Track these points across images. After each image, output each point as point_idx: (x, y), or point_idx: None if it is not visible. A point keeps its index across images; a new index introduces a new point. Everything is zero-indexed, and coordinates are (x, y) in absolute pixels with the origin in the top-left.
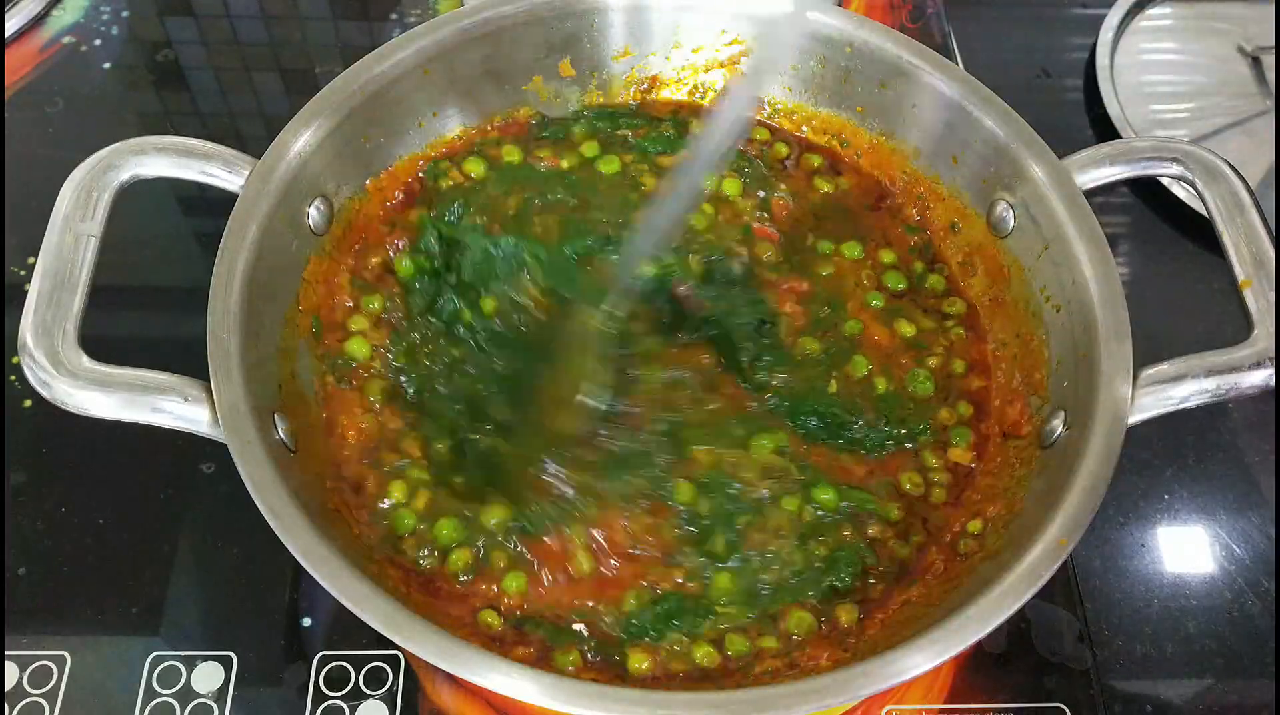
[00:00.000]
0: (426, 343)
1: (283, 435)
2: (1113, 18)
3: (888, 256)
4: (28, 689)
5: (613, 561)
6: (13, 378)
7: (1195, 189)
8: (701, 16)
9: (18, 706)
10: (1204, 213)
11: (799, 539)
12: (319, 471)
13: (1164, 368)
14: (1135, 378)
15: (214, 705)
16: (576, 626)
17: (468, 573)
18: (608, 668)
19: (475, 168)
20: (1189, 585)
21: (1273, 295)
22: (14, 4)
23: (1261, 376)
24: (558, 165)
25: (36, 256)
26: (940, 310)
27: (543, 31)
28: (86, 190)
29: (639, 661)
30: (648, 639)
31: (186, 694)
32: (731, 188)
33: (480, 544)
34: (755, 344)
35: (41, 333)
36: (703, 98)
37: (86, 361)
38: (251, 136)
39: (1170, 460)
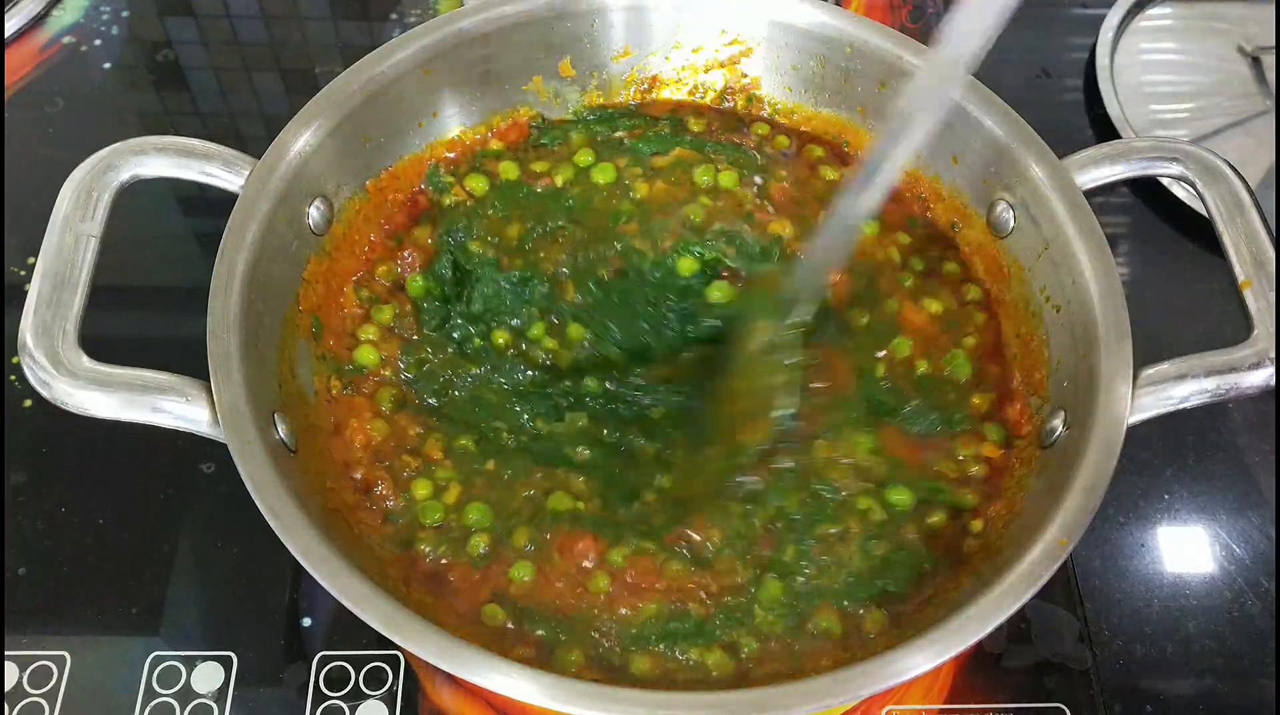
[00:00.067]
0: (440, 355)
1: (283, 435)
2: (1113, 18)
3: (904, 238)
4: (28, 689)
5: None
6: (13, 378)
7: (1195, 189)
8: (701, 16)
9: (18, 706)
10: (1204, 213)
11: (862, 541)
12: (319, 471)
13: (1164, 368)
14: (1135, 378)
15: (214, 705)
16: (593, 635)
17: (484, 560)
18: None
19: (476, 184)
20: (1189, 585)
21: (1273, 295)
22: (14, 4)
23: (1261, 376)
24: (553, 184)
25: (36, 256)
26: (960, 295)
27: (542, 31)
28: (86, 190)
29: (642, 664)
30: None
31: (186, 694)
32: (728, 179)
33: (510, 522)
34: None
35: (41, 333)
36: (702, 98)
37: (86, 361)
38: (251, 136)
39: (1170, 460)
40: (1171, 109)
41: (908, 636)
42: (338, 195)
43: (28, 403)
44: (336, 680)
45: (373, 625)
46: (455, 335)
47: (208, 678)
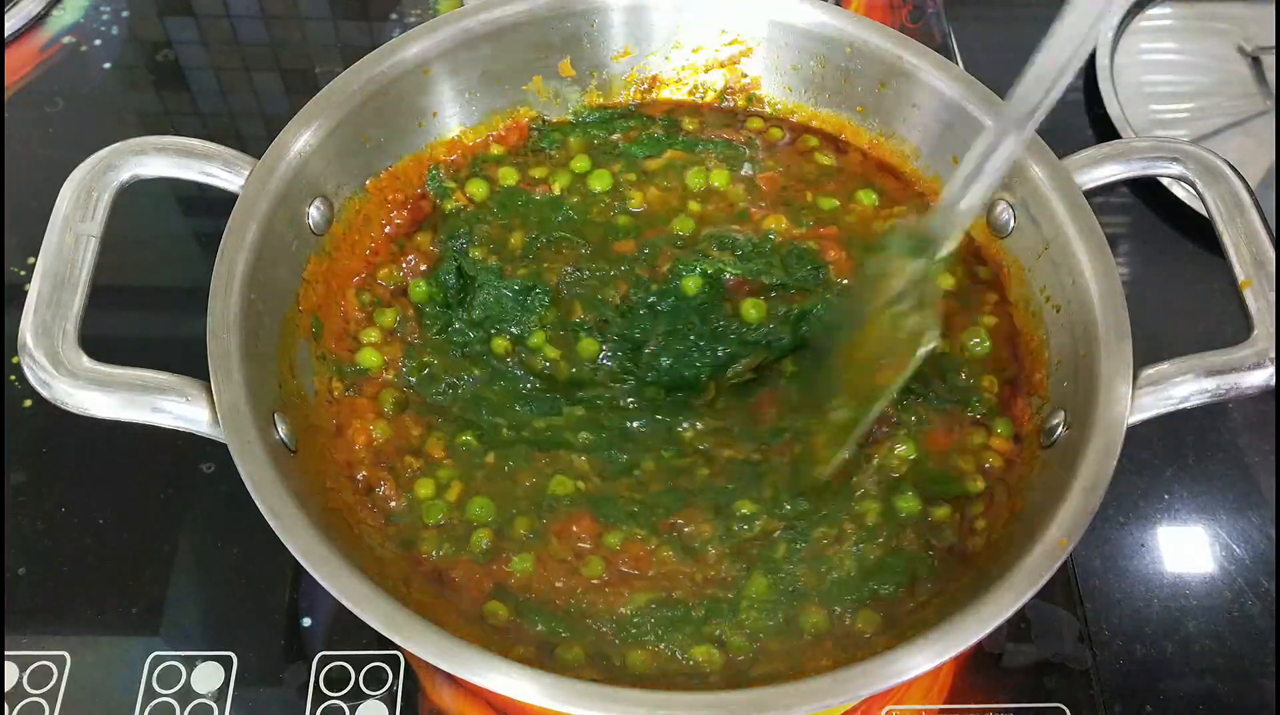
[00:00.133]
0: (442, 358)
1: (283, 435)
2: (1113, 18)
3: (902, 212)
4: (28, 689)
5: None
6: (13, 378)
7: (1195, 189)
8: (701, 16)
9: (18, 706)
10: (1204, 213)
11: (855, 543)
12: (319, 472)
13: (1164, 368)
14: (1135, 378)
15: (214, 705)
16: (587, 620)
17: (486, 555)
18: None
19: (477, 189)
20: (1189, 585)
21: (1273, 295)
22: (14, 4)
23: (1261, 376)
24: (551, 191)
25: (36, 256)
26: (971, 271)
27: (543, 31)
28: (86, 190)
29: (638, 660)
30: (650, 639)
31: (186, 694)
32: (719, 178)
33: (513, 511)
34: (825, 288)
35: (41, 333)
36: (703, 98)
37: (86, 361)
38: (251, 136)
39: (1170, 460)
40: (1171, 109)
41: (908, 636)
42: (338, 195)
43: (28, 403)
44: (336, 680)
45: (373, 625)
46: (457, 340)
47: (208, 678)
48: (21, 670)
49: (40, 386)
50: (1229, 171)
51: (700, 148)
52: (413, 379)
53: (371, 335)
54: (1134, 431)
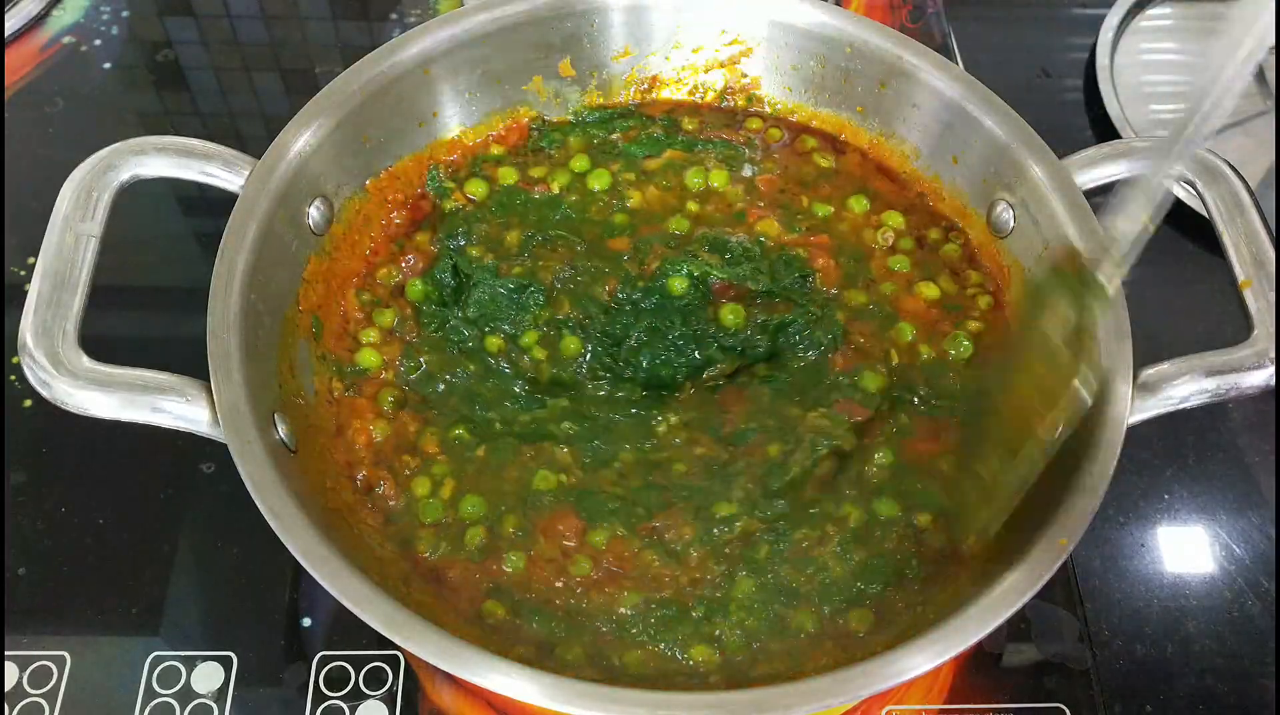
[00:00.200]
0: (438, 354)
1: (283, 435)
2: (1113, 18)
3: (893, 218)
4: (28, 689)
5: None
6: (13, 378)
7: (1195, 189)
8: (701, 16)
9: (18, 706)
10: (1204, 213)
11: (839, 544)
12: (319, 472)
13: (1164, 368)
14: (1135, 378)
15: (214, 705)
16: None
17: (481, 553)
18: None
19: (476, 189)
20: (1189, 585)
21: (1273, 295)
22: (14, 4)
23: (1261, 376)
24: (550, 190)
25: (36, 256)
26: (961, 277)
27: (543, 31)
28: (86, 190)
29: (634, 658)
30: (646, 638)
31: (186, 694)
32: (718, 178)
33: (502, 509)
34: (810, 298)
35: (41, 333)
36: (703, 98)
37: (86, 361)
38: (251, 136)
39: (1170, 460)
40: (1171, 109)
41: (907, 636)
42: (338, 195)
43: (28, 403)
44: (336, 680)
45: (373, 625)
46: (454, 338)
47: (208, 678)
48: (21, 670)
49: (40, 386)
50: (1229, 171)
51: (700, 148)
52: (411, 377)
53: (371, 335)
54: (1134, 431)
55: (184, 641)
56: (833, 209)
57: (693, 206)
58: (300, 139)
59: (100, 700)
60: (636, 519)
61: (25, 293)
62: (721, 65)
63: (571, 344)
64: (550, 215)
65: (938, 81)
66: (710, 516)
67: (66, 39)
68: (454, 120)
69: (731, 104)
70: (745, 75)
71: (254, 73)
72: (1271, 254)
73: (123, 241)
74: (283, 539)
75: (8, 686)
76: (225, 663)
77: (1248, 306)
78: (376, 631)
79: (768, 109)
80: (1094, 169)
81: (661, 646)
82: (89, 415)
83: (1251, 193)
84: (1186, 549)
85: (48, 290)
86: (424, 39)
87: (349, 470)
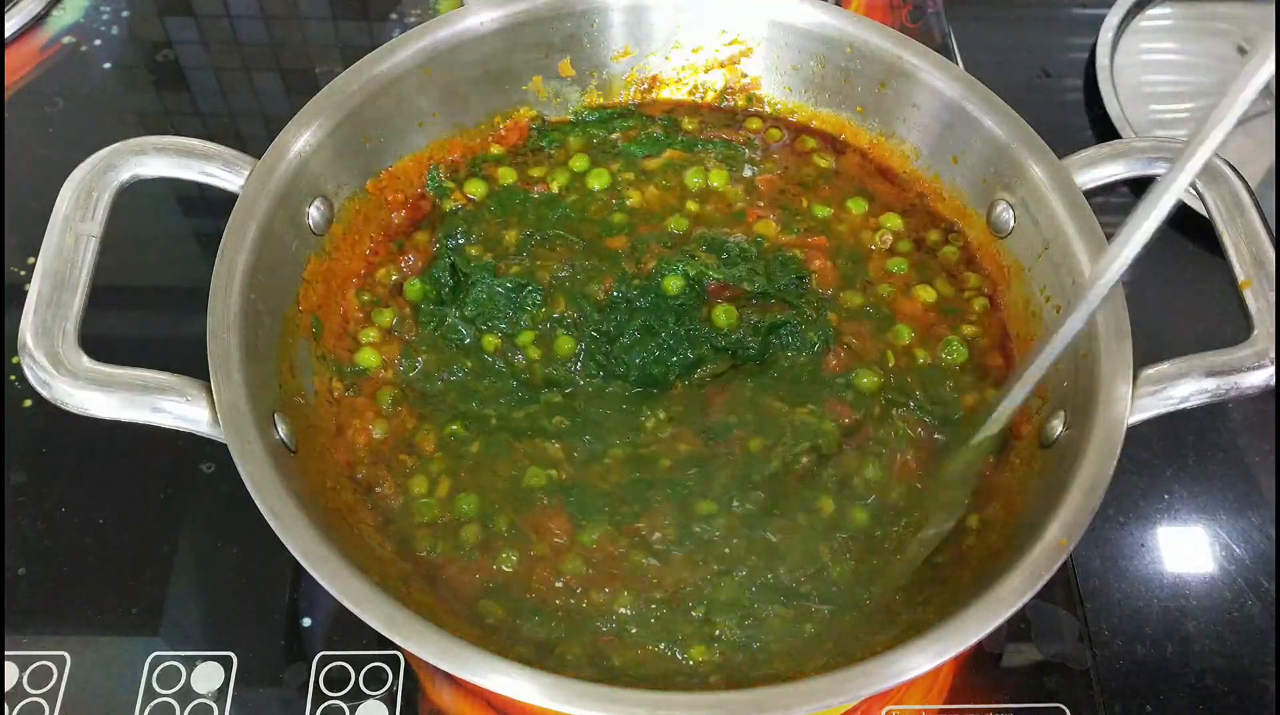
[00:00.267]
0: (435, 352)
1: (283, 435)
2: (1113, 18)
3: (891, 220)
4: (28, 689)
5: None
6: (13, 378)
7: (1195, 189)
8: (701, 16)
9: (18, 706)
10: (1204, 213)
11: (824, 543)
12: (319, 472)
13: (1164, 368)
14: (1135, 378)
15: (214, 705)
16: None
17: (475, 551)
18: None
19: (476, 189)
20: (1189, 585)
21: (1273, 295)
22: (14, 4)
23: (1261, 376)
24: (549, 190)
25: (36, 256)
26: (959, 280)
27: (543, 31)
28: (86, 190)
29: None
30: (643, 637)
31: (186, 694)
32: (718, 178)
33: (495, 506)
34: (805, 300)
35: (41, 333)
36: (702, 98)
37: (86, 361)
38: (251, 136)
39: (1170, 460)
40: (1171, 109)
41: (907, 636)
42: (338, 195)
43: (28, 403)
44: (336, 680)
45: (373, 625)
46: (451, 336)
47: (208, 678)
48: (21, 670)
49: (40, 386)
50: (1229, 171)
51: (699, 148)
52: (410, 375)
53: (370, 335)
54: (1134, 431)
55: (184, 641)
56: (832, 211)
57: (692, 206)
58: (300, 139)
59: (100, 700)
60: (623, 518)
61: (25, 293)
62: (721, 65)
63: (566, 343)
64: (549, 215)
65: (938, 81)
66: (691, 514)
67: (66, 39)
68: (454, 120)
69: (731, 104)
70: (745, 75)
71: (254, 73)
72: (1271, 254)
73: (123, 241)
74: (283, 539)
75: (8, 686)
76: (225, 663)
77: (1248, 306)
78: (376, 631)
79: (768, 109)
80: (1094, 169)
81: (661, 646)
82: (89, 415)
83: (1251, 193)
84: (1186, 549)
85: (48, 290)
86: (424, 39)
87: (349, 470)
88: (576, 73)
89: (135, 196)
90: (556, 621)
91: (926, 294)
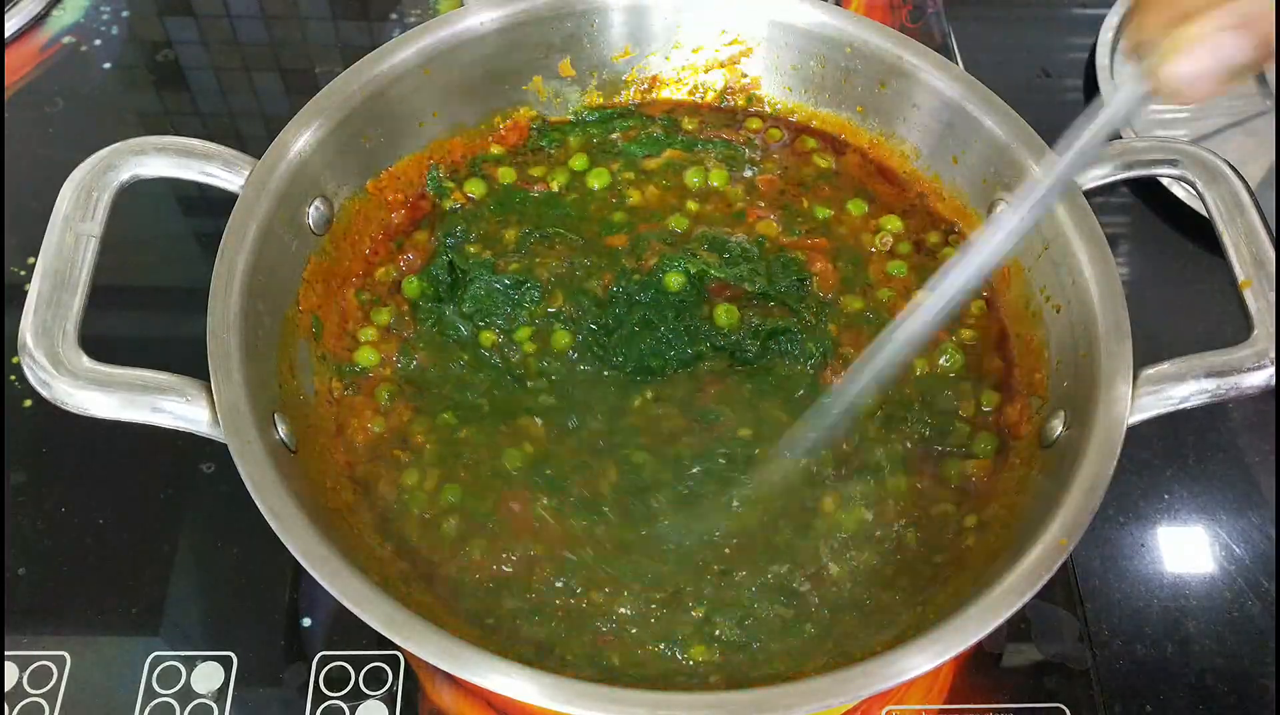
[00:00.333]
0: (434, 345)
1: (283, 435)
2: (1113, 18)
3: (891, 223)
4: (28, 689)
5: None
6: (13, 378)
7: (1195, 189)
8: (701, 16)
9: (18, 706)
10: (1204, 213)
11: (840, 546)
12: (319, 471)
13: (1164, 368)
14: (1135, 378)
15: (214, 705)
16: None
17: (458, 540)
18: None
19: (476, 188)
20: (1189, 585)
21: (1273, 295)
22: (14, 4)
23: (1261, 377)
24: (549, 188)
25: (36, 256)
26: None
27: (543, 31)
28: (86, 190)
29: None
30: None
31: (186, 694)
32: (718, 178)
33: (477, 492)
34: (805, 304)
35: (41, 333)
36: (702, 98)
37: (86, 361)
38: (251, 136)
39: (1170, 460)
40: (1171, 109)
41: (908, 636)
42: (338, 195)
43: (28, 403)
44: (336, 680)
45: (373, 625)
46: (450, 333)
47: (208, 678)
48: (21, 670)
49: (40, 386)
50: (1229, 171)
51: (699, 147)
52: (406, 370)
53: (368, 333)
54: (1134, 431)
55: (184, 641)
56: (833, 212)
57: (692, 206)
58: (300, 139)
59: (100, 700)
60: (588, 486)
61: (25, 293)
62: (721, 65)
63: (562, 338)
64: (549, 213)
65: (938, 81)
66: (671, 473)
67: (66, 39)
68: (454, 120)
69: (731, 104)
70: (745, 75)
71: (254, 73)
72: (1271, 254)
73: (123, 241)
74: (283, 539)
75: (8, 686)
76: (225, 663)
77: (1248, 306)
78: (376, 631)
79: (768, 109)
80: (1094, 169)
81: (661, 646)
82: (89, 415)
83: (1251, 193)
84: (1186, 549)
85: (48, 290)
86: (424, 39)
87: (349, 470)
88: (576, 73)
89: (135, 196)
90: (556, 621)
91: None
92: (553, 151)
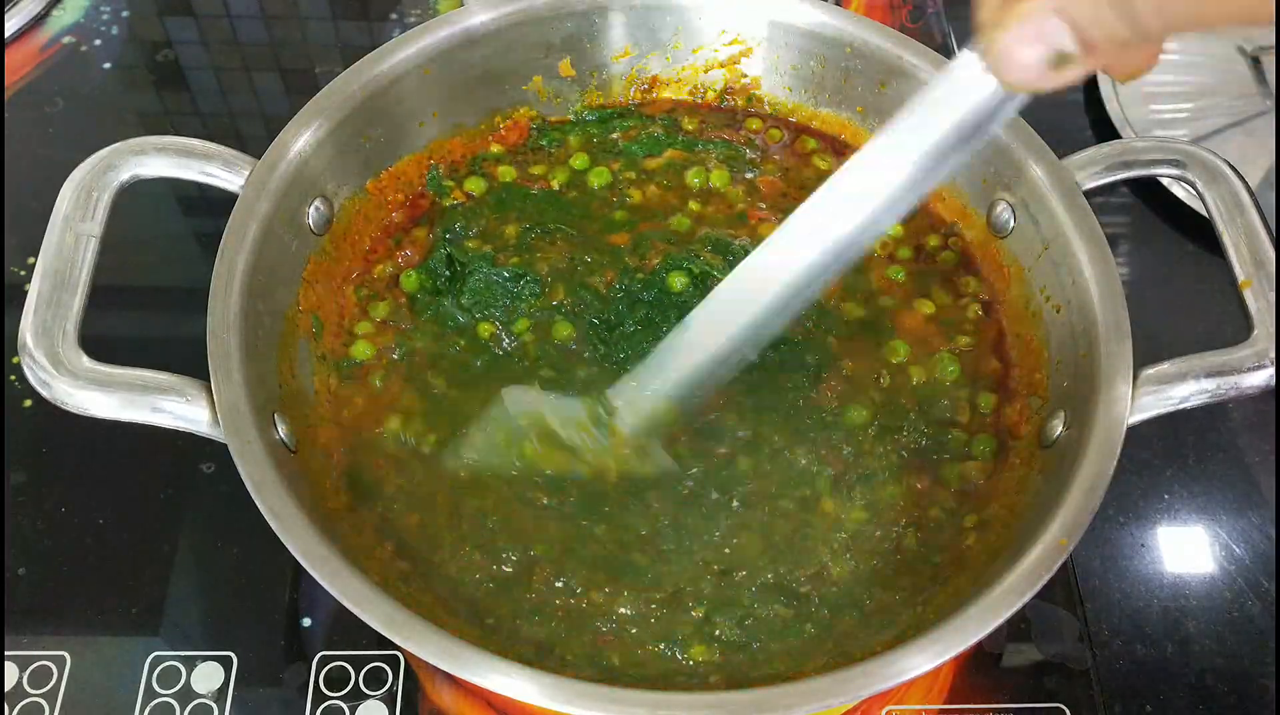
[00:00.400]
0: (431, 338)
1: (283, 435)
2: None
3: (891, 227)
4: (28, 689)
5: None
6: (13, 378)
7: (1195, 189)
8: (701, 16)
9: (18, 706)
10: (1204, 213)
11: (840, 545)
12: (320, 471)
13: (1164, 368)
14: (1135, 378)
15: (214, 705)
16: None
17: (462, 539)
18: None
19: (476, 186)
20: (1189, 585)
21: (1273, 295)
22: (14, 4)
23: (1261, 377)
24: (549, 187)
25: (36, 256)
26: (956, 286)
27: (543, 31)
28: (86, 190)
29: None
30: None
31: (186, 694)
32: (719, 178)
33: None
34: (806, 312)
35: (41, 333)
36: (703, 98)
37: (86, 361)
38: (251, 136)
39: (1170, 460)
40: (1171, 109)
41: (908, 636)
42: (337, 195)
43: (28, 403)
44: (336, 680)
45: (373, 625)
46: (448, 324)
47: (208, 678)
48: (21, 670)
49: (40, 386)
50: (1229, 171)
51: (700, 148)
52: (402, 356)
53: (365, 327)
54: (1134, 431)
55: (184, 641)
56: None
57: (694, 206)
58: (300, 139)
59: (100, 700)
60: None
61: (25, 293)
62: (721, 65)
63: (563, 329)
64: (549, 209)
65: None
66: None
67: (66, 39)
68: (454, 120)
69: (731, 104)
70: (745, 75)
71: (254, 73)
72: (1271, 254)
73: (123, 241)
74: (283, 539)
75: (8, 686)
76: (225, 663)
77: (1248, 306)
78: (376, 631)
79: (768, 109)
80: (1094, 169)
81: (661, 646)
82: (89, 415)
83: (1251, 193)
84: (1186, 549)
85: (48, 290)
86: (424, 39)
87: (348, 468)
88: (576, 73)
89: (135, 196)
90: (556, 621)
91: (926, 307)
92: (553, 150)
